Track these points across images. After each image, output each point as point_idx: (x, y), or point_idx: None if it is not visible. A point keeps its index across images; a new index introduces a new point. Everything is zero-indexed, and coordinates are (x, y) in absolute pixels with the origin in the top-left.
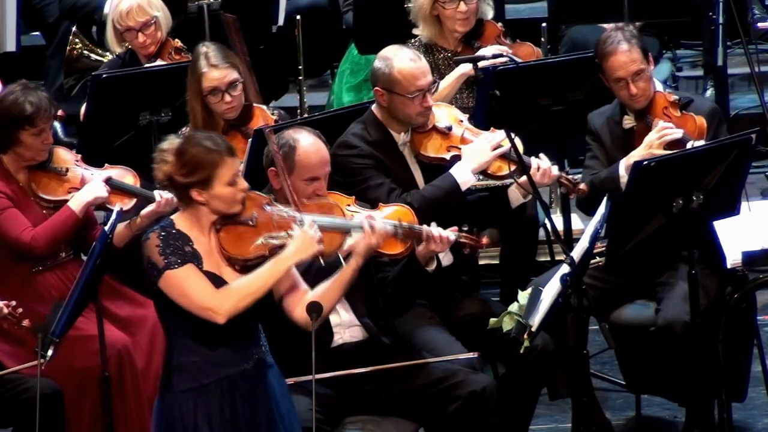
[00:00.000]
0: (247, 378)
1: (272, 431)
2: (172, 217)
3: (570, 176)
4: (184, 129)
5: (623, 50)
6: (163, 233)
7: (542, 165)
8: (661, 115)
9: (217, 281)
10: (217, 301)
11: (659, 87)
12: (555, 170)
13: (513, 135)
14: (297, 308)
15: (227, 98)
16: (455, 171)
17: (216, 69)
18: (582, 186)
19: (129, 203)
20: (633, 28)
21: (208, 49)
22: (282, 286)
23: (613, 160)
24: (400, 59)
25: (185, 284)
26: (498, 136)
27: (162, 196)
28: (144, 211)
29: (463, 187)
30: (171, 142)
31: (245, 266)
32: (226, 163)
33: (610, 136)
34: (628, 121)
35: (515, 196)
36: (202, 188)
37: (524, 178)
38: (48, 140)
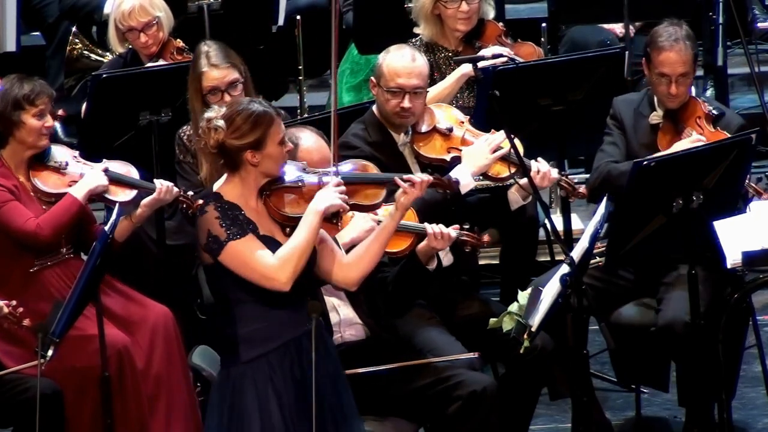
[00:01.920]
0: (310, 338)
1: (337, 389)
2: (216, 189)
3: (570, 179)
4: (185, 127)
5: (679, 49)
6: (218, 204)
7: (542, 168)
8: (693, 124)
9: (275, 245)
10: (277, 269)
11: (692, 94)
12: (554, 173)
13: (513, 137)
14: (334, 273)
15: (227, 98)
16: (455, 174)
17: (216, 69)
18: (582, 189)
19: (130, 194)
20: (689, 28)
21: (209, 48)
22: (319, 253)
23: (632, 150)
24: (395, 55)
25: (247, 255)
26: (497, 138)
27: (162, 184)
28: (145, 201)
29: (463, 191)
30: (217, 111)
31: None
32: (276, 123)
33: (633, 127)
34: (656, 118)
35: (515, 199)
36: (256, 149)
37: (524, 180)
38: (49, 124)
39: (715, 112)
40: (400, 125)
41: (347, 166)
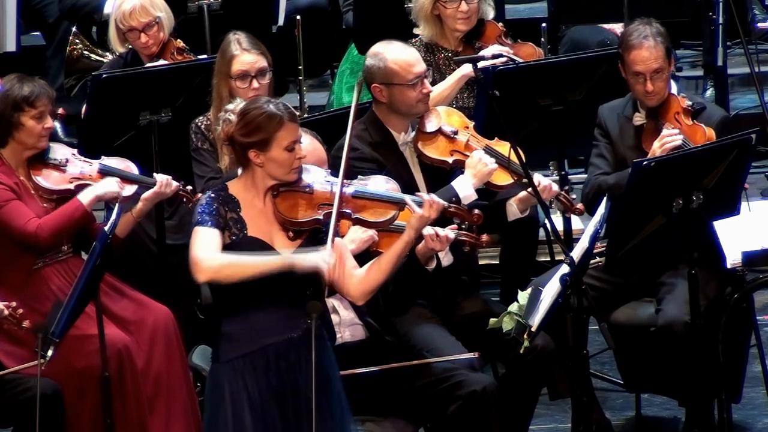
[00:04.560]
0: (293, 346)
1: (319, 401)
2: (227, 182)
3: (568, 195)
4: (201, 117)
5: (648, 46)
6: (212, 195)
7: (542, 181)
8: (672, 119)
9: (263, 247)
10: (204, 259)
11: (674, 90)
12: (555, 187)
13: (517, 147)
14: (344, 285)
15: (255, 84)
16: (457, 184)
17: (248, 53)
18: (579, 206)
19: (130, 189)
20: (660, 25)
21: (240, 36)
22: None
23: (620, 156)
24: (391, 51)
25: (196, 239)
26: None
27: (162, 178)
28: (146, 195)
29: (464, 202)
30: (237, 104)
31: (298, 231)
32: (287, 128)
33: (619, 132)
34: (639, 119)
35: (513, 211)
36: (260, 150)
37: (525, 191)
38: (49, 126)
39: (694, 106)
40: (424, 112)
41: (375, 182)
